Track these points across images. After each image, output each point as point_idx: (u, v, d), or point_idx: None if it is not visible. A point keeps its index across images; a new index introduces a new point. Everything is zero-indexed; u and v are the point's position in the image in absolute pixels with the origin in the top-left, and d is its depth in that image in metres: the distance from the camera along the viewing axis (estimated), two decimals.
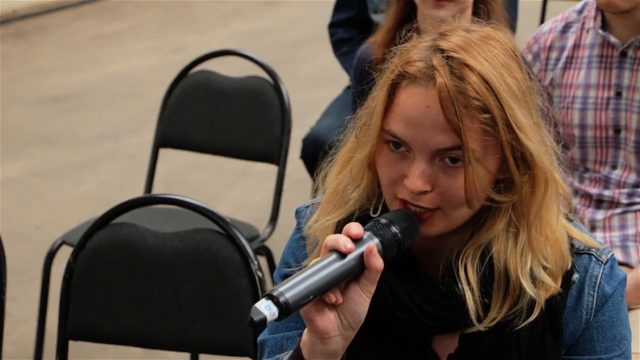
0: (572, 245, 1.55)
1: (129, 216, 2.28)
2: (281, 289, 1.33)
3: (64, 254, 2.64)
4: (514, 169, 1.45)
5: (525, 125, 1.44)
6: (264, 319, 1.31)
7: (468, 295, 1.47)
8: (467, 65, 1.42)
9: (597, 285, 1.54)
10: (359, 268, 1.39)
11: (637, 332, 2.29)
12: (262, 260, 3.01)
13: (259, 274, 2.15)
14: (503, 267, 1.48)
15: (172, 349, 2.26)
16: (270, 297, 1.32)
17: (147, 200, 2.45)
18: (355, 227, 1.40)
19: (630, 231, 2.51)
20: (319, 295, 1.36)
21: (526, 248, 1.48)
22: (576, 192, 2.61)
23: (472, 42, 1.45)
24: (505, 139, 1.43)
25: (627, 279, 1.60)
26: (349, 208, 1.54)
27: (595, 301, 1.54)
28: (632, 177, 2.52)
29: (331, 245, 1.38)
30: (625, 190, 2.53)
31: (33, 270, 4.11)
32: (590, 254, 1.56)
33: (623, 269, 2.43)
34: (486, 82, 1.42)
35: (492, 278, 1.48)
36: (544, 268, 1.49)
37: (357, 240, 1.39)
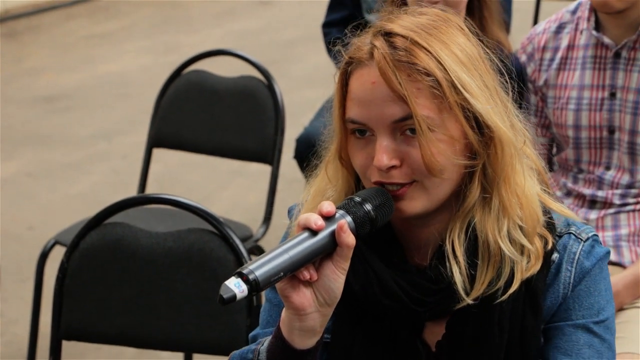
0: (552, 225, 1.58)
1: (122, 216, 2.27)
2: (251, 266, 1.35)
3: (57, 254, 2.63)
4: (469, 131, 1.49)
5: (471, 86, 1.49)
6: (234, 296, 1.33)
7: (455, 269, 1.50)
8: (406, 37, 1.48)
9: (575, 261, 1.56)
10: (331, 245, 1.41)
11: (635, 332, 2.29)
12: None
13: None
14: (485, 236, 1.52)
15: (165, 348, 2.26)
16: (240, 275, 1.34)
17: (141, 200, 2.45)
18: (327, 205, 1.43)
19: (623, 231, 2.52)
20: (289, 273, 1.38)
21: (501, 211, 1.52)
22: (570, 192, 2.61)
23: (414, 21, 1.52)
24: (452, 99, 1.47)
25: (609, 254, 1.60)
26: None
27: (573, 276, 1.56)
28: (625, 178, 2.53)
29: (303, 224, 1.41)
30: (619, 191, 2.53)
31: (26, 270, 4.10)
32: (570, 233, 1.58)
33: (615, 269, 2.45)
34: (426, 49, 1.48)
35: (477, 249, 1.52)
36: (520, 228, 1.53)
37: (329, 218, 1.42)
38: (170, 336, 2.20)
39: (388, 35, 1.50)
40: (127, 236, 2.20)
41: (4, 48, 7.58)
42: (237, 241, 2.16)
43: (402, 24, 1.51)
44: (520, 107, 1.59)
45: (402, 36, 1.48)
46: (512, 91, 1.57)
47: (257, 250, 3.21)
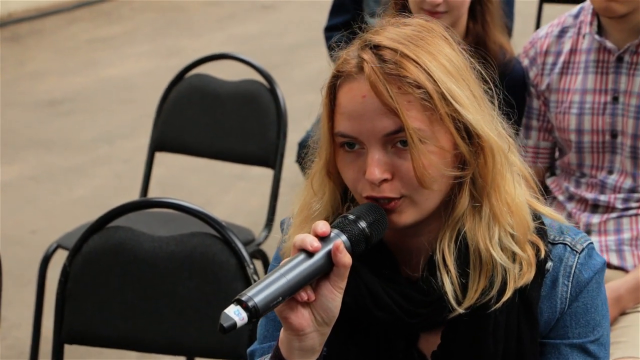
0: (544, 231, 1.57)
1: (125, 220, 2.27)
2: (249, 293, 1.35)
3: (60, 258, 2.63)
4: (460, 141, 1.49)
5: (461, 97, 1.48)
6: (234, 325, 1.33)
7: (445, 279, 1.50)
8: (395, 50, 1.48)
9: (571, 275, 1.56)
10: (328, 265, 1.41)
11: (637, 336, 2.29)
12: (258, 264, 3.02)
13: (255, 277, 2.15)
14: (476, 244, 1.51)
15: (167, 352, 2.26)
16: (239, 302, 1.34)
17: (143, 203, 2.45)
18: (321, 226, 1.42)
19: (626, 235, 2.52)
20: (288, 296, 1.38)
21: (491, 220, 1.52)
22: (572, 196, 2.61)
23: (400, 32, 1.52)
24: (443, 111, 1.47)
25: (605, 264, 1.60)
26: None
27: (570, 290, 1.56)
28: (627, 182, 2.53)
29: (299, 245, 1.41)
30: (621, 195, 2.53)
31: (28, 274, 4.10)
32: (565, 244, 1.57)
33: (618, 273, 2.45)
34: (415, 61, 1.47)
35: (468, 258, 1.52)
36: (512, 236, 1.52)
37: (324, 238, 1.42)
38: (172, 340, 2.20)
39: (376, 48, 1.49)
40: (130, 240, 2.21)
41: (7, 52, 7.59)
42: (240, 245, 2.16)
43: (389, 35, 1.51)
44: (505, 114, 1.58)
45: (391, 49, 1.48)
46: (496, 98, 1.56)
47: (259, 254, 3.21)
